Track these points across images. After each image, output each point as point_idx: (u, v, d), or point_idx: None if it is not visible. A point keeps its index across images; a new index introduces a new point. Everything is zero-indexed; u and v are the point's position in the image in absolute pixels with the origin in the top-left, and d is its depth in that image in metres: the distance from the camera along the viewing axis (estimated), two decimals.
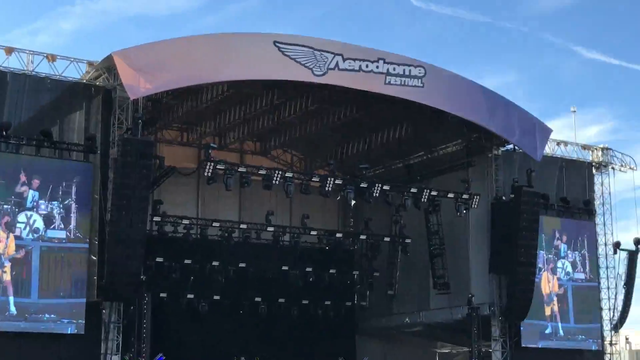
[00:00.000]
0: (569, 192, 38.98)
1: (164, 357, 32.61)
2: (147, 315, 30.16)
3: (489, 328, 35.91)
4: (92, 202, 29.20)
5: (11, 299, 27.43)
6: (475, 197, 36.04)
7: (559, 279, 37.98)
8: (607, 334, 39.68)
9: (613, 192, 40.72)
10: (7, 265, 27.61)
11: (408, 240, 40.76)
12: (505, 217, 35.54)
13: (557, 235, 38.19)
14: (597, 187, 40.55)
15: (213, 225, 36.96)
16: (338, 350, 38.71)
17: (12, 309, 27.38)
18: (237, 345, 35.25)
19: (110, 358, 28.63)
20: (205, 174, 32.20)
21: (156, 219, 34.96)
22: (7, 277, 27.48)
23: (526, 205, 34.96)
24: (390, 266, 42.17)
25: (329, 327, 39.90)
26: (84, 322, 28.30)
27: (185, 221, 36.28)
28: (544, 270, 37.37)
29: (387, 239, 41.47)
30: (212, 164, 31.96)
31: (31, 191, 28.25)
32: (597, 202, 40.35)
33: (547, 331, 37.15)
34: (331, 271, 40.24)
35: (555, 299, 37.80)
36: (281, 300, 39.05)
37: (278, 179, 33.36)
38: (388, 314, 42.47)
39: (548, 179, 38.06)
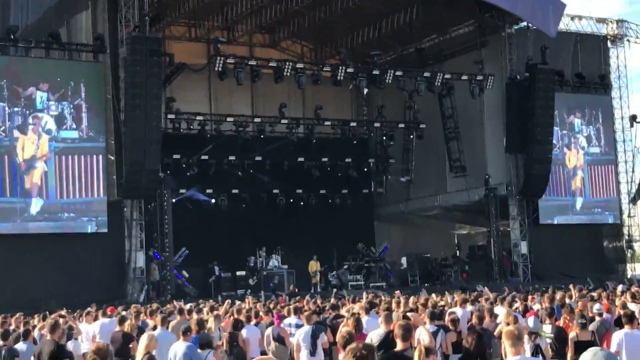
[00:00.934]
0: (584, 68, 38.51)
1: (187, 251, 33.28)
2: (168, 211, 30.61)
3: (507, 207, 36.27)
4: (105, 103, 29.24)
5: (33, 200, 27.91)
6: (489, 78, 35.69)
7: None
8: (625, 207, 39.93)
9: (629, 66, 40.29)
10: (39, 166, 27.98)
11: (423, 126, 40.70)
12: (520, 96, 35.32)
13: (571, 111, 37.87)
14: (612, 61, 40.04)
15: (227, 120, 36.95)
16: (357, 237, 39.21)
17: (31, 209, 27.87)
18: (257, 237, 35.72)
19: (136, 254, 29.24)
20: (216, 69, 32.00)
21: (170, 116, 34.98)
22: (35, 179, 27.89)
23: (541, 83, 34.69)
24: (406, 152, 42.27)
25: (348, 215, 40.37)
26: (105, 219, 28.82)
27: (199, 117, 36.26)
28: (564, 146, 37.28)
29: (401, 125, 41.43)
30: (222, 58, 31.71)
31: (39, 92, 28.22)
32: (612, 76, 39.92)
33: (564, 206, 37.38)
34: (347, 160, 40.41)
35: (579, 173, 37.92)
36: (299, 191, 39.42)
37: (289, 70, 33.11)
38: (405, 199, 42.87)
39: (563, 55, 37.54)
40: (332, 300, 21.87)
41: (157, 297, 28.17)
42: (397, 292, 22.28)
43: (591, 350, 4.85)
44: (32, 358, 11.22)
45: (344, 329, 11.18)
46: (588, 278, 31.61)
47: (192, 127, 36.20)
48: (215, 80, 36.56)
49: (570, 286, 22.57)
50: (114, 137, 28.89)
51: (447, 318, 13.52)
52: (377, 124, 41.48)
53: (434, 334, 11.12)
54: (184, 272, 33.03)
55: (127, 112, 27.94)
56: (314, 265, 34.68)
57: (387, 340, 9.97)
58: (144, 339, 11.14)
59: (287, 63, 33.41)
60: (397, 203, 43.09)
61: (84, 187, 28.68)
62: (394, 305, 15.52)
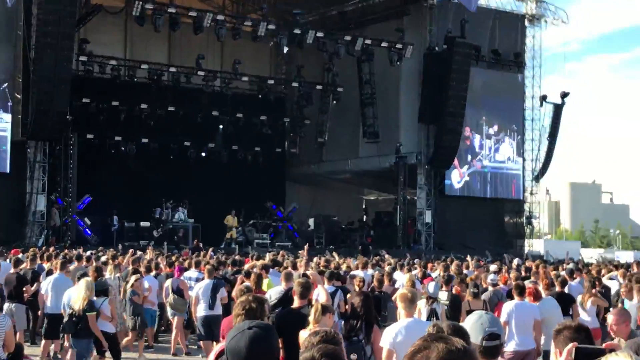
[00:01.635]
0: (501, 45, 39.16)
1: (91, 198, 32.62)
2: (74, 155, 29.89)
3: (415, 176, 36.80)
4: (16, 39, 28.20)
5: None
6: (408, 46, 35.94)
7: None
8: (528, 184, 41.06)
9: (544, 46, 41.17)
10: None
11: (340, 89, 40.78)
12: (437, 68, 35.72)
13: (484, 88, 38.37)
14: (528, 40, 40.82)
15: (141, 67, 36.18)
16: (267, 195, 39.14)
17: None
18: (165, 188, 35.21)
19: (37, 197, 28.51)
20: (133, 13, 31.23)
21: (82, 58, 33.99)
22: None
23: (458, 57, 35.16)
24: (321, 114, 42.29)
25: (259, 173, 40.14)
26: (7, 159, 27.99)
27: (113, 62, 35.37)
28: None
29: (319, 87, 41.39)
30: (141, 2, 30.91)
31: None
32: (527, 55, 40.71)
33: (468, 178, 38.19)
34: (262, 118, 40.14)
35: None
36: (211, 145, 38.95)
37: (209, 21, 32.57)
38: (318, 161, 43.01)
39: (481, 30, 38.06)
40: (237, 256, 21.89)
41: (56, 243, 27.58)
42: (303, 251, 22.39)
43: (476, 314, 4.97)
44: None
45: (243, 284, 11.18)
46: (487, 251, 32.57)
47: (104, 71, 35.30)
48: (132, 25, 35.72)
49: (468, 257, 23.23)
50: (22, 75, 27.88)
51: (349, 280, 13.69)
52: (295, 84, 41.31)
53: (332, 294, 11.21)
54: (86, 219, 32.40)
55: (38, 50, 27.00)
56: (230, 219, 34.59)
57: (286, 298, 10.04)
58: (81, 285, 11.01)
59: (208, 14, 32.84)
60: (309, 164, 43.21)
61: None
62: (298, 264, 15.61)
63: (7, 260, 16.64)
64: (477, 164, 38.50)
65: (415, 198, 37.20)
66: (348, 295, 12.33)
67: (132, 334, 14.55)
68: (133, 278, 14.51)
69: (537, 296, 11.38)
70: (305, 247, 23.60)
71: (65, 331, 11.71)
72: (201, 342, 14.54)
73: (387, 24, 37.89)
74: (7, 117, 28.27)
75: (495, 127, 39.07)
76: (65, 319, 11.42)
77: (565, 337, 4.11)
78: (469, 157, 38.39)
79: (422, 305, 11.79)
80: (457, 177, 37.94)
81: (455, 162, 37.15)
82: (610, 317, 7.12)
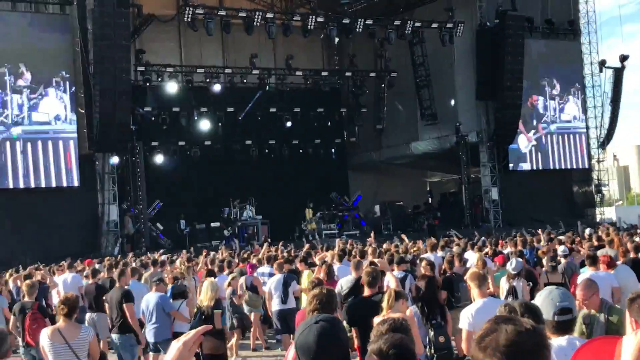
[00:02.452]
0: (554, 13, 38.48)
1: (161, 204, 33.32)
2: (141, 163, 30.55)
3: (477, 154, 36.51)
4: (74, 55, 28.91)
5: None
6: (459, 25, 35.63)
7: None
8: (594, 152, 40.34)
9: (597, 11, 40.32)
10: None
11: (394, 74, 40.71)
12: (490, 43, 35.29)
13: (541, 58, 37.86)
14: (581, 7, 39.99)
15: (197, 71, 36.71)
16: (331, 186, 39.39)
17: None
18: (230, 188, 35.73)
19: (109, 208, 29.23)
20: (185, 19, 31.71)
21: (140, 68, 34.69)
22: None
23: (511, 30, 34.70)
24: (378, 101, 42.31)
25: (321, 164, 40.44)
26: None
27: (170, 69, 36.00)
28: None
29: (372, 74, 41.40)
30: (191, 8, 31.40)
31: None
32: (582, 22, 39.94)
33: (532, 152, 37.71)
34: (319, 110, 40.36)
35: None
36: (271, 142, 39.36)
37: (259, 20, 32.86)
38: (378, 148, 43.01)
39: (532, 1, 37.43)
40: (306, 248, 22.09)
41: (131, 250, 28.24)
42: (371, 236, 22.43)
43: (547, 289, 4.95)
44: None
45: (314, 276, 11.36)
46: (560, 222, 31.95)
47: (162, 79, 35.95)
48: (185, 31, 36.24)
49: (539, 231, 22.91)
50: (83, 90, 28.60)
51: (418, 264, 13.73)
52: (348, 74, 41.41)
53: (402, 280, 11.31)
54: (158, 225, 33.14)
55: (96, 64, 27.66)
56: (309, 213, 35.00)
57: (357, 286, 10.15)
58: (207, 285, 11.38)
59: (257, 13, 33.13)
60: (370, 152, 43.23)
61: None
62: (369, 252, 15.69)
63: (83, 272, 17.04)
64: (542, 129, 38.01)
65: (480, 176, 36.91)
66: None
67: (236, 333, 14.65)
68: (230, 277, 14.68)
69: (610, 264, 11.28)
70: (372, 234, 23.68)
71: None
72: (279, 336, 14.79)
73: (435, 4, 37.57)
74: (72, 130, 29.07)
75: (557, 88, 38.49)
76: (194, 319, 11.82)
77: None
78: (534, 122, 37.97)
79: (502, 282, 11.78)
80: (524, 142, 37.49)
81: (521, 127, 36.81)
82: (578, 293, 6.90)
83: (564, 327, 4.77)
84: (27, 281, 12.13)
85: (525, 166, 37.53)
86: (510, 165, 36.94)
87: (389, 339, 2.99)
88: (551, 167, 38.15)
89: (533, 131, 37.78)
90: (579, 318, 7.01)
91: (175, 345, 2.68)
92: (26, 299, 11.31)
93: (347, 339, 3.27)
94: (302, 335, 3.03)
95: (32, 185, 28.31)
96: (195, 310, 11.57)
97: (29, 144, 28.36)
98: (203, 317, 11.39)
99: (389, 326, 4.82)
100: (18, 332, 11.60)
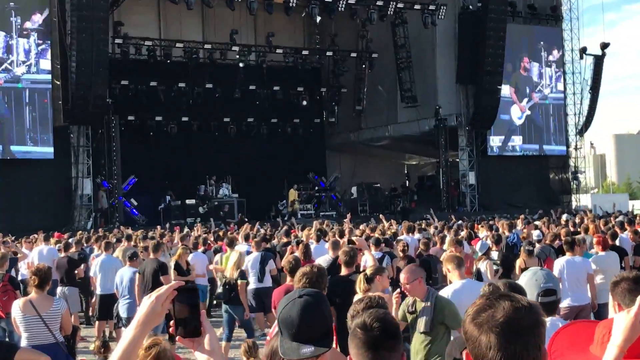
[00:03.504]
0: None
1: (136, 179, 33.01)
2: (116, 137, 30.21)
3: (456, 138, 36.53)
4: (52, 26, 28.47)
5: None
6: (442, 7, 35.47)
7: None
8: (572, 139, 40.51)
9: None
10: None
11: (375, 55, 40.55)
12: (472, 27, 35.26)
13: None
14: None
15: (177, 46, 36.33)
16: (308, 166, 39.27)
17: None
18: (207, 165, 35.46)
19: (83, 181, 28.92)
20: None
21: (118, 41, 34.25)
22: None
23: (493, 14, 34.66)
24: (358, 82, 42.17)
25: (299, 144, 40.27)
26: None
27: (148, 43, 35.58)
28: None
29: (353, 54, 41.21)
30: None
31: None
32: (564, 8, 39.97)
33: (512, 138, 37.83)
34: (299, 89, 40.15)
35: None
36: (250, 119, 39.08)
37: None
38: (357, 129, 42.92)
39: None
40: (284, 227, 22.01)
41: (105, 225, 27.98)
42: (347, 218, 22.44)
43: (531, 270, 4.92)
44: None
45: (291, 255, 11.24)
46: (540, 210, 31.90)
47: (141, 52, 35.52)
48: (165, 5, 35.80)
49: (521, 216, 22.92)
50: (59, 61, 28.17)
51: (394, 245, 13.68)
52: (329, 53, 41.18)
53: (380, 260, 11.23)
54: (133, 200, 32.86)
55: (74, 35, 27.24)
56: (293, 193, 34.82)
57: (334, 266, 10.07)
58: (234, 256, 11.42)
59: None
60: (348, 133, 43.13)
61: None
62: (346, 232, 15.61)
63: (55, 245, 16.86)
64: (536, 97, 38.12)
65: (457, 160, 36.96)
66: (394, 261, 12.41)
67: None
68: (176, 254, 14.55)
69: (605, 246, 11.38)
70: (348, 215, 23.67)
71: (219, 298, 12.41)
72: (253, 314, 14.68)
73: None
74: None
75: (556, 55, 38.63)
76: (219, 289, 11.85)
77: (624, 288, 4.05)
78: (527, 90, 38.10)
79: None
80: (517, 113, 37.61)
81: (514, 96, 36.94)
82: (402, 276, 6.87)
83: (547, 308, 4.74)
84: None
85: (517, 139, 37.58)
86: (501, 138, 36.98)
87: (373, 312, 2.93)
88: (528, 154, 38.35)
89: (526, 99, 37.84)
90: (402, 305, 6.95)
91: (147, 300, 2.54)
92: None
93: (331, 314, 3.19)
94: (285, 309, 2.95)
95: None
96: (222, 280, 11.84)
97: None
98: (227, 287, 11.59)
99: (365, 304, 4.77)
100: None
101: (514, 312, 2.34)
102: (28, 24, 28.45)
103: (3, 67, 28.10)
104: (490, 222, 20.61)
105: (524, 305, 2.37)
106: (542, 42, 38.53)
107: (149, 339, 3.53)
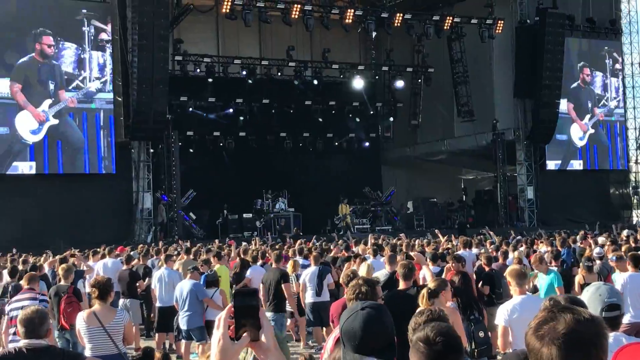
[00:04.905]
0: (595, 12, 37.97)
1: (195, 193, 33.44)
2: (176, 153, 30.67)
3: (514, 152, 36.19)
4: (112, 43, 29.11)
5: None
6: (499, 22, 35.30)
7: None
8: (632, 153, 39.78)
9: None
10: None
11: (431, 70, 40.46)
12: (529, 41, 34.96)
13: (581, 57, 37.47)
14: (623, 6, 39.43)
15: (234, 62, 36.78)
16: (364, 180, 39.27)
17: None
18: (264, 179, 35.76)
19: (143, 196, 29.40)
20: (223, 10, 31.74)
21: (177, 58, 34.84)
22: None
23: (551, 28, 34.32)
24: (414, 96, 42.11)
25: (354, 158, 40.40)
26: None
27: (207, 59, 36.10)
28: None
29: (409, 69, 41.17)
30: None
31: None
32: (623, 21, 39.37)
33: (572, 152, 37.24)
34: (354, 104, 40.26)
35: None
36: (306, 134, 39.36)
37: (297, 12, 32.81)
38: (413, 144, 42.84)
39: None
40: (341, 242, 22.06)
41: (164, 239, 28.37)
42: (403, 234, 22.44)
43: (594, 285, 4.86)
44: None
45: (349, 269, 11.30)
46: (597, 224, 31.42)
47: (199, 69, 36.08)
48: (222, 22, 36.30)
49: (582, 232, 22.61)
50: (121, 78, 28.78)
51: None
52: (385, 68, 41.22)
53: (437, 275, 11.21)
54: (191, 214, 33.29)
55: (135, 52, 27.79)
56: (343, 208, 34.90)
57: (392, 280, 10.09)
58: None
59: (295, 5, 33.09)
60: (404, 147, 43.06)
61: None
62: (403, 247, 15.64)
63: (115, 258, 17.18)
64: (600, 113, 37.48)
65: (516, 175, 36.59)
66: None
67: None
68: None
69: None
70: (402, 235, 23.60)
71: None
72: (311, 328, 14.76)
73: (475, 0, 37.26)
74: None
75: (621, 62, 38.08)
76: None
77: None
78: (589, 104, 37.52)
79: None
80: (578, 133, 37.02)
81: (572, 113, 36.39)
82: None
83: (612, 323, 4.59)
84: (64, 265, 12.23)
85: (577, 164, 37.02)
86: (557, 163, 36.45)
87: (436, 326, 2.92)
88: (588, 168, 37.75)
89: (588, 116, 37.23)
90: None
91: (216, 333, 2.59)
92: (62, 282, 11.39)
93: (393, 326, 3.22)
94: (348, 321, 2.99)
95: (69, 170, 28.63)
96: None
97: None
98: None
99: (426, 317, 4.76)
100: (53, 315, 11.68)
101: (576, 324, 2.36)
102: (104, 35, 29.08)
103: (74, 84, 28.72)
104: (551, 238, 20.35)
105: (586, 318, 2.39)
106: (604, 52, 37.93)
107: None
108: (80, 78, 28.77)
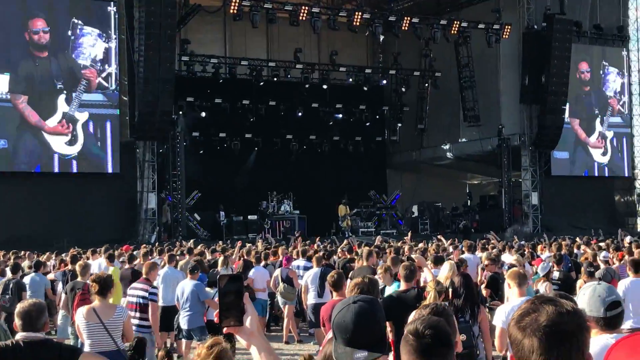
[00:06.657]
0: (602, 19, 37.93)
1: (200, 194, 33.47)
2: (181, 153, 30.70)
3: (519, 158, 36.16)
4: (119, 43, 29.17)
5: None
6: (506, 27, 35.29)
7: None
8: (638, 160, 39.71)
9: None
10: None
11: (438, 74, 40.44)
12: (536, 46, 34.94)
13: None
14: (631, 12, 39.38)
15: (241, 63, 36.80)
16: (370, 184, 39.30)
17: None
18: (269, 181, 35.77)
19: (147, 195, 29.42)
20: (231, 11, 31.76)
21: (184, 58, 34.88)
22: None
23: (558, 34, 34.30)
24: (420, 100, 42.11)
25: (360, 162, 40.38)
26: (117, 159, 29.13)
27: (214, 60, 36.13)
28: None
29: (416, 73, 41.17)
30: (238, 0, 31.43)
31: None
32: (630, 28, 39.30)
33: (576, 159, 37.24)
34: (361, 107, 40.32)
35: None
36: (312, 137, 39.39)
37: (305, 14, 32.83)
38: (418, 148, 42.83)
39: (581, 5, 36.94)
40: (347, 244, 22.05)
41: (168, 239, 28.40)
42: (408, 236, 22.42)
43: (589, 286, 4.73)
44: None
45: (334, 270, 11.27)
46: (600, 230, 31.49)
47: (206, 69, 36.11)
48: (230, 23, 36.33)
49: (577, 238, 22.62)
50: (127, 77, 28.83)
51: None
52: (392, 72, 41.24)
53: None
54: (196, 215, 33.30)
55: (141, 52, 27.84)
56: (342, 209, 34.86)
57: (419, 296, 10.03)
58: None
59: (303, 7, 33.12)
60: (410, 151, 43.06)
61: None
62: (406, 250, 15.65)
63: (120, 259, 17.11)
64: (608, 120, 37.38)
65: (520, 180, 36.55)
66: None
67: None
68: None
69: None
70: (409, 234, 23.61)
71: None
72: (313, 330, 14.74)
73: (482, 5, 37.25)
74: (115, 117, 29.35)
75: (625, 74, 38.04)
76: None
77: None
78: (596, 110, 37.51)
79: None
80: (599, 154, 37.27)
81: (582, 133, 36.27)
82: None
83: (615, 322, 4.53)
84: (80, 262, 12.42)
85: (568, 172, 37.09)
86: (552, 170, 36.52)
87: (426, 319, 2.86)
88: (593, 175, 37.73)
89: (598, 119, 37.10)
90: None
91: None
92: (79, 279, 11.50)
93: (385, 320, 3.18)
94: (339, 315, 2.96)
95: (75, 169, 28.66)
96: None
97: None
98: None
99: (430, 310, 4.69)
100: (68, 310, 11.88)
101: (558, 316, 2.36)
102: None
103: (97, 82, 28.75)
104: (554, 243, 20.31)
105: (569, 310, 2.39)
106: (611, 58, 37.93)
107: (211, 339, 3.64)
108: (104, 75, 28.82)
